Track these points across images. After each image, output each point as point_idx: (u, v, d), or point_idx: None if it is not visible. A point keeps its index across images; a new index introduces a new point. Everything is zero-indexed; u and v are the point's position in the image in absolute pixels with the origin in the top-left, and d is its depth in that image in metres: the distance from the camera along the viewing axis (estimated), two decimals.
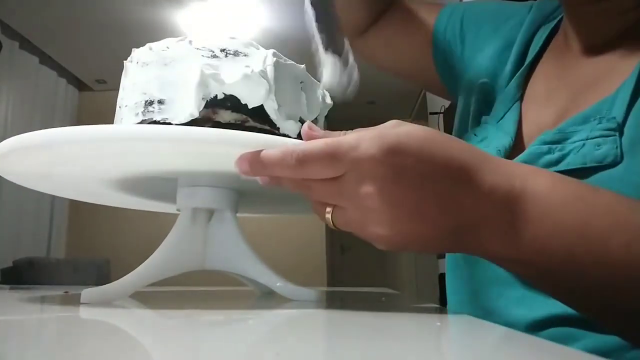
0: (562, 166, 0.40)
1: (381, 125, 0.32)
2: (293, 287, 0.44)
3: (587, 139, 0.39)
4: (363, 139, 0.31)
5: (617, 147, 0.37)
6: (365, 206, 0.31)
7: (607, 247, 0.30)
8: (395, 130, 0.31)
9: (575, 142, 0.40)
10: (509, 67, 0.52)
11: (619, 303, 0.31)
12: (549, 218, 0.31)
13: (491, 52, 0.55)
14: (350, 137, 0.31)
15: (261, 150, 0.33)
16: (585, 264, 0.30)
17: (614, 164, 0.37)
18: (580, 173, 0.38)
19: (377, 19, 0.65)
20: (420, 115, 4.92)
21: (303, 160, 0.31)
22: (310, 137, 0.34)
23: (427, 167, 0.30)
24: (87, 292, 0.38)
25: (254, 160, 0.33)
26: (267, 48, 0.45)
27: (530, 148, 0.43)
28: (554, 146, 0.41)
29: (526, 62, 0.51)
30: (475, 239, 0.32)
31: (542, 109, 0.47)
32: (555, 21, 0.52)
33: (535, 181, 0.32)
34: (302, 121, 0.42)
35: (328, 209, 0.34)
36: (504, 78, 0.52)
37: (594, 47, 0.45)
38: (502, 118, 0.49)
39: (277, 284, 0.44)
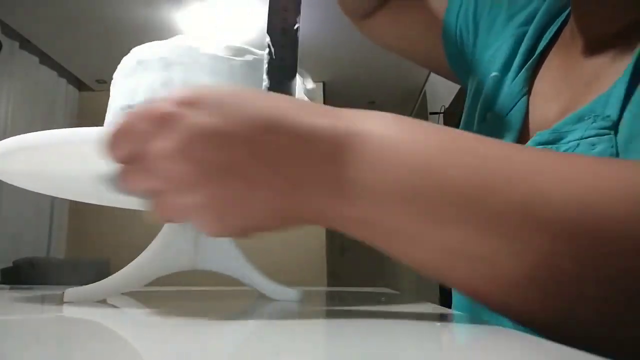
0: None
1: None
2: (276, 287, 0.44)
3: (581, 139, 0.38)
4: (162, 98, 0.27)
5: (612, 147, 0.36)
6: (167, 170, 0.27)
7: (449, 176, 0.26)
8: (200, 87, 0.28)
9: (569, 142, 0.39)
10: (518, 60, 0.51)
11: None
12: (381, 159, 0.26)
13: (504, 44, 0.53)
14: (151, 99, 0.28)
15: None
16: (428, 200, 0.26)
17: None
18: None
19: (384, 3, 0.63)
20: (420, 115, 4.92)
21: (106, 142, 0.28)
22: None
23: (235, 115, 0.27)
24: (71, 292, 0.38)
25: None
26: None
27: None
28: (548, 147, 0.40)
29: (534, 56, 0.50)
30: (309, 199, 0.27)
31: (548, 105, 0.46)
32: (566, 13, 0.50)
33: (365, 122, 0.27)
34: None
35: (148, 205, 0.30)
36: (513, 71, 0.51)
37: (595, 44, 0.44)
38: (508, 113, 0.48)
39: (261, 283, 0.44)
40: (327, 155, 0.27)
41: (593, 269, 0.24)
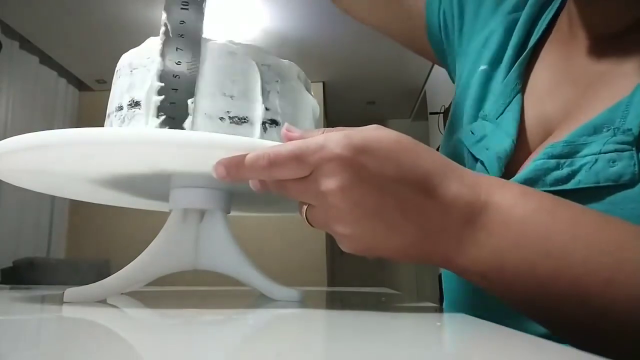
0: (572, 184, 0.36)
1: (359, 127, 0.33)
2: (276, 287, 0.44)
3: (599, 154, 0.35)
4: (330, 139, 0.31)
5: (634, 164, 0.34)
6: (329, 204, 0.32)
7: (568, 261, 0.29)
8: (365, 132, 0.32)
9: (586, 156, 0.36)
10: (509, 52, 0.48)
11: (581, 319, 0.30)
12: (510, 230, 0.30)
13: (494, 33, 0.50)
14: (318, 138, 0.32)
15: (237, 156, 0.34)
16: (546, 278, 0.30)
17: (631, 183, 0.34)
18: (593, 193, 0.35)
19: None
20: (420, 116, 4.92)
21: (273, 162, 0.32)
22: (289, 139, 0.35)
23: (391, 171, 0.31)
24: (71, 292, 0.38)
25: (230, 165, 0.34)
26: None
27: (536, 163, 0.39)
28: (562, 161, 0.37)
29: (527, 49, 0.47)
30: (438, 249, 0.32)
31: (545, 103, 0.43)
32: (560, 0, 0.47)
33: (500, 193, 0.31)
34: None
35: (304, 208, 0.35)
36: (505, 65, 0.48)
37: (599, 42, 0.41)
38: (501, 114, 0.45)
39: (262, 284, 0.44)
40: (462, 219, 0.31)
41: None
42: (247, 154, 0.34)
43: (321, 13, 3.28)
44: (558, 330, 0.32)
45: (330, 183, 0.31)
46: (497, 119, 0.45)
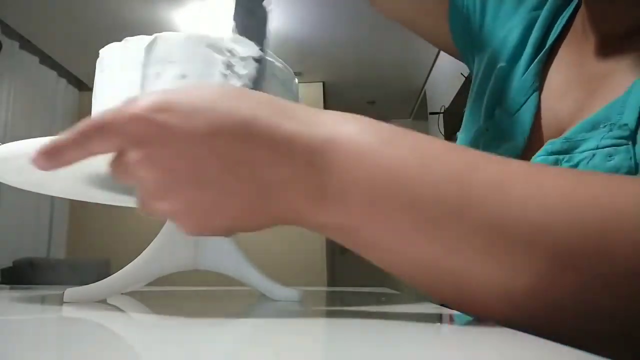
0: None
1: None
2: (276, 287, 0.44)
3: (597, 149, 0.35)
4: (130, 102, 0.27)
5: (630, 158, 0.34)
6: (140, 178, 0.28)
7: (417, 193, 0.25)
8: (177, 90, 0.28)
9: (584, 151, 0.36)
10: (528, 50, 0.48)
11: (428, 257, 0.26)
12: (354, 168, 0.26)
13: (514, 30, 0.50)
14: (126, 100, 0.28)
15: (51, 140, 0.29)
16: (396, 214, 0.26)
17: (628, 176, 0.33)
18: None
19: None
20: (420, 115, 4.92)
21: (82, 132, 0.28)
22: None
23: (201, 123, 0.26)
24: (71, 292, 0.38)
25: (49, 150, 0.29)
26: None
27: (535, 160, 0.39)
28: (561, 157, 0.37)
29: (545, 48, 0.46)
30: (286, 202, 0.27)
31: (559, 102, 0.43)
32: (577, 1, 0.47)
33: (340, 129, 0.27)
34: None
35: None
36: (523, 63, 0.47)
37: (607, 42, 0.41)
38: (518, 110, 0.45)
39: (262, 284, 0.44)
40: (303, 162, 0.26)
41: (563, 285, 0.24)
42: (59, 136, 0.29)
43: (321, 13, 3.28)
44: (409, 276, 0.28)
45: (134, 153, 0.27)
46: (513, 116, 0.45)
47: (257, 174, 0.27)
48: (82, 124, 0.28)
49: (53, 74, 3.92)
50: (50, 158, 0.29)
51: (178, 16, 3.30)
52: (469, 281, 0.26)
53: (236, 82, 0.41)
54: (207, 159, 0.26)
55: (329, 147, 0.26)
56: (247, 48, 0.41)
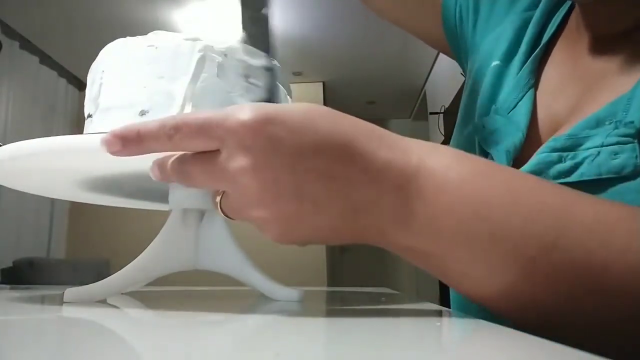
0: (575, 177, 0.36)
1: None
2: (276, 287, 0.44)
3: (602, 146, 0.35)
4: (237, 109, 0.28)
5: (636, 157, 0.33)
6: (241, 184, 0.28)
7: (507, 224, 0.27)
8: (277, 104, 0.29)
9: (589, 149, 0.36)
10: (523, 48, 0.48)
11: (522, 288, 0.28)
12: (445, 194, 0.27)
13: (507, 29, 0.50)
14: (228, 108, 0.29)
15: (135, 125, 0.30)
16: (484, 244, 0.27)
17: (633, 175, 0.33)
18: (596, 185, 0.34)
19: None
20: (420, 116, 4.92)
21: (177, 128, 0.29)
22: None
23: (307, 139, 0.27)
24: (71, 292, 0.38)
25: (130, 136, 0.30)
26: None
27: (539, 156, 0.39)
28: (565, 154, 0.37)
29: (540, 45, 0.47)
30: (372, 223, 0.29)
31: (554, 100, 0.43)
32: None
33: (433, 158, 0.29)
34: None
35: (218, 198, 0.32)
36: (518, 60, 0.48)
37: (602, 41, 0.42)
38: (513, 108, 0.45)
39: (262, 284, 0.44)
40: (395, 186, 0.28)
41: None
42: (149, 122, 0.30)
43: (321, 13, 3.28)
44: (496, 306, 0.29)
45: (239, 160, 0.28)
46: (509, 113, 0.46)
47: (350, 193, 0.28)
48: (179, 120, 0.29)
49: (53, 74, 3.92)
50: (129, 144, 0.30)
51: (178, 16, 3.30)
52: (556, 319, 0.27)
53: (255, 93, 0.41)
54: (308, 173, 0.28)
55: (422, 174, 0.28)
56: (258, 58, 0.42)
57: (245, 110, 0.28)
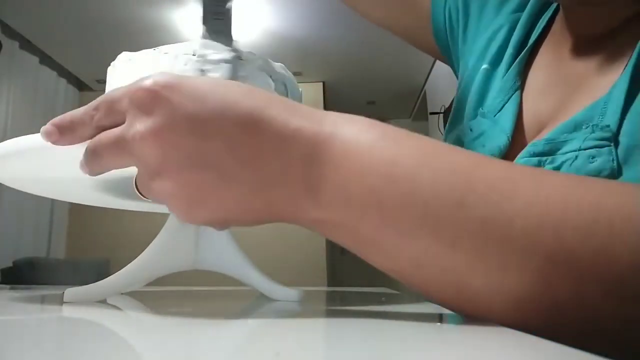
0: None
1: None
2: (276, 287, 0.44)
3: (579, 150, 0.35)
4: (141, 79, 0.28)
5: (612, 160, 0.34)
6: (142, 153, 0.27)
7: (415, 184, 0.25)
8: (194, 76, 0.29)
9: (566, 152, 0.36)
10: (510, 51, 0.48)
11: (433, 253, 0.26)
12: (356, 160, 0.26)
13: (498, 33, 0.50)
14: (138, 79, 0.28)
15: (64, 115, 0.31)
16: (394, 208, 0.26)
17: (610, 178, 0.33)
18: None
19: None
20: (420, 116, 4.92)
21: (97, 107, 0.29)
22: None
23: (209, 106, 0.26)
24: (71, 292, 0.38)
25: (64, 123, 0.30)
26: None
27: (518, 161, 0.39)
28: (543, 158, 0.37)
29: (526, 47, 0.47)
30: (282, 194, 0.27)
31: (540, 102, 0.43)
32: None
33: (347, 125, 0.28)
34: None
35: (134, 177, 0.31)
36: (505, 63, 0.48)
37: (584, 43, 0.42)
38: (499, 110, 0.45)
39: (262, 284, 0.44)
40: (305, 157, 0.27)
41: (558, 288, 0.24)
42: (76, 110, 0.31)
43: (321, 13, 3.28)
44: (409, 279, 0.28)
45: (137, 125, 0.27)
46: (495, 116, 0.46)
47: (258, 163, 0.27)
48: (98, 99, 0.29)
49: (53, 74, 3.92)
50: (64, 132, 0.30)
51: (178, 16, 3.30)
52: (468, 281, 0.26)
53: None
54: (211, 139, 0.26)
55: (331, 142, 0.27)
56: (218, 51, 0.42)
57: (149, 78, 0.27)
